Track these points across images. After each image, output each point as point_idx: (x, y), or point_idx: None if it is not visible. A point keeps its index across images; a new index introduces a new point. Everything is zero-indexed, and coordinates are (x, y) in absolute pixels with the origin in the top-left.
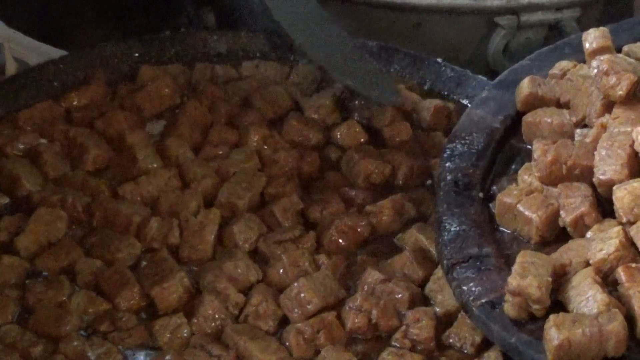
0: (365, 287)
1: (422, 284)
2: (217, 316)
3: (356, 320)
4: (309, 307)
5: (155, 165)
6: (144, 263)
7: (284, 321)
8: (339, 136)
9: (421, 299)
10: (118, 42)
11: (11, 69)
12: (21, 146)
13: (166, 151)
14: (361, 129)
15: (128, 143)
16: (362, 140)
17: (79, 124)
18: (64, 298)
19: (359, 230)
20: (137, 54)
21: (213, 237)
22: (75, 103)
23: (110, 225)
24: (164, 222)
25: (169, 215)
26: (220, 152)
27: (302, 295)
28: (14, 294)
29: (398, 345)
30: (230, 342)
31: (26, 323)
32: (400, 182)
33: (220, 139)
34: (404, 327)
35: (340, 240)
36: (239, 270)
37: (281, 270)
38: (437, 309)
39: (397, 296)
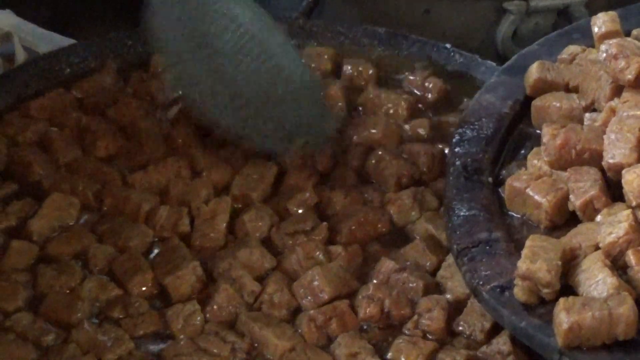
0: (380, 277)
1: (435, 271)
2: (232, 304)
3: (369, 309)
4: (321, 295)
5: (161, 152)
6: (155, 251)
7: (298, 311)
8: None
9: (435, 287)
10: (127, 31)
11: (20, 57)
12: (32, 135)
13: (175, 139)
14: None
15: (138, 129)
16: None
17: (90, 112)
18: (76, 284)
19: (379, 225)
20: (145, 43)
21: (225, 225)
22: (86, 91)
23: (120, 213)
24: (173, 210)
25: (179, 204)
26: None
27: (316, 283)
28: (23, 279)
29: (410, 334)
30: (245, 329)
31: (37, 309)
32: (425, 170)
33: None
34: (415, 317)
35: (358, 232)
36: (254, 258)
37: (295, 261)
38: (448, 296)
39: (411, 285)
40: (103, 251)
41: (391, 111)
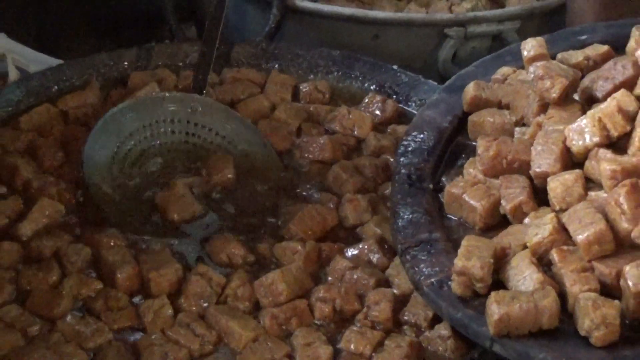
0: (335, 274)
1: (384, 269)
2: (202, 294)
3: (323, 309)
4: (280, 297)
5: None
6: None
7: (259, 303)
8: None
9: (385, 283)
10: (109, 52)
11: (13, 76)
12: (21, 144)
13: None
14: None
15: None
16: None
17: (75, 123)
18: (55, 279)
19: (327, 217)
20: (126, 63)
21: None
22: (71, 104)
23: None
24: None
25: None
26: None
27: (275, 285)
28: (8, 276)
29: (360, 325)
30: (213, 321)
31: (24, 304)
32: (371, 178)
33: None
34: (365, 309)
35: (308, 222)
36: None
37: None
38: (395, 290)
39: (364, 282)
40: (75, 248)
41: (356, 130)
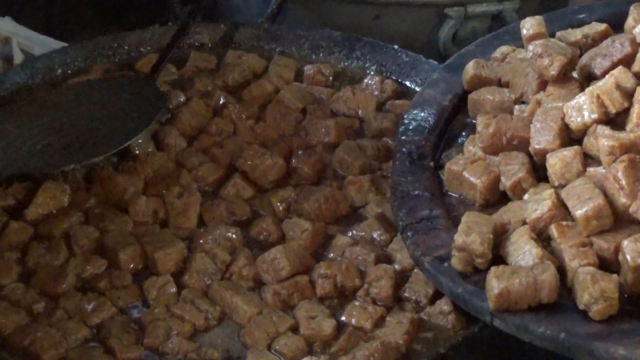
0: (336, 251)
1: (386, 246)
2: (206, 271)
3: (324, 285)
4: (281, 272)
5: (147, 151)
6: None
7: (261, 282)
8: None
9: (385, 258)
10: (113, 34)
11: (18, 59)
12: None
13: (164, 139)
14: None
15: None
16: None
17: None
18: (62, 261)
19: (340, 205)
20: (127, 46)
21: (196, 216)
22: None
23: (106, 196)
24: (150, 200)
25: (158, 195)
26: (216, 140)
27: (277, 261)
28: (14, 256)
29: (361, 300)
30: (217, 297)
31: (28, 283)
32: (374, 159)
33: (217, 130)
34: (366, 286)
35: (324, 206)
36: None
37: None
38: (397, 266)
39: (363, 257)
40: (85, 231)
41: (360, 111)
